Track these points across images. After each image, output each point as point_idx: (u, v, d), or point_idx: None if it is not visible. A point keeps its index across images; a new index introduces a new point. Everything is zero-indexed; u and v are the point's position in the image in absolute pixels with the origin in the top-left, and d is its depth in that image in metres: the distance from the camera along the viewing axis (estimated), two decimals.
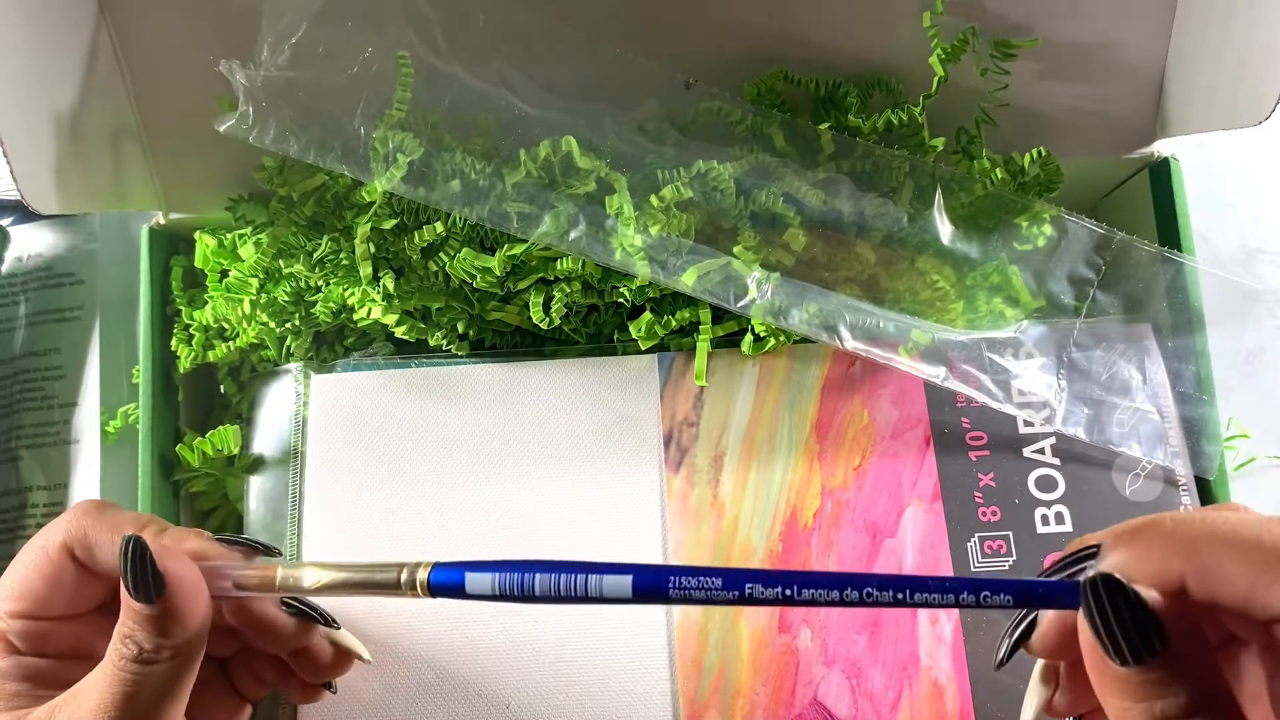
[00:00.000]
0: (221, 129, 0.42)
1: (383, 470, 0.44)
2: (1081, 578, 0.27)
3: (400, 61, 0.43)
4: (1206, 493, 0.44)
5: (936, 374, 0.43)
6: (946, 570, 0.42)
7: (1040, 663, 0.34)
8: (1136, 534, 0.28)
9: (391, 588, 0.33)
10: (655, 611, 0.42)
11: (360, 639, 0.40)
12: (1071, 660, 0.32)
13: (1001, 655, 0.32)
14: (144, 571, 0.31)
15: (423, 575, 0.32)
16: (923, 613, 0.41)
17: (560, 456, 0.44)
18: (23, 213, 0.56)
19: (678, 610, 0.42)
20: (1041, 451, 0.44)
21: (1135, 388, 0.44)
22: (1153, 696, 0.26)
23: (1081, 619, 0.27)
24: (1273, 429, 0.55)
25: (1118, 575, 0.27)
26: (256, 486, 0.46)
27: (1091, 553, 0.29)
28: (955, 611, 0.41)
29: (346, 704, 0.41)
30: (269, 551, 0.37)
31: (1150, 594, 0.26)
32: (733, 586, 0.30)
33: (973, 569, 0.42)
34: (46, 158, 0.43)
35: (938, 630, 0.41)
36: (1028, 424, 0.44)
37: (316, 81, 0.43)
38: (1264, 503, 0.54)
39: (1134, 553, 0.27)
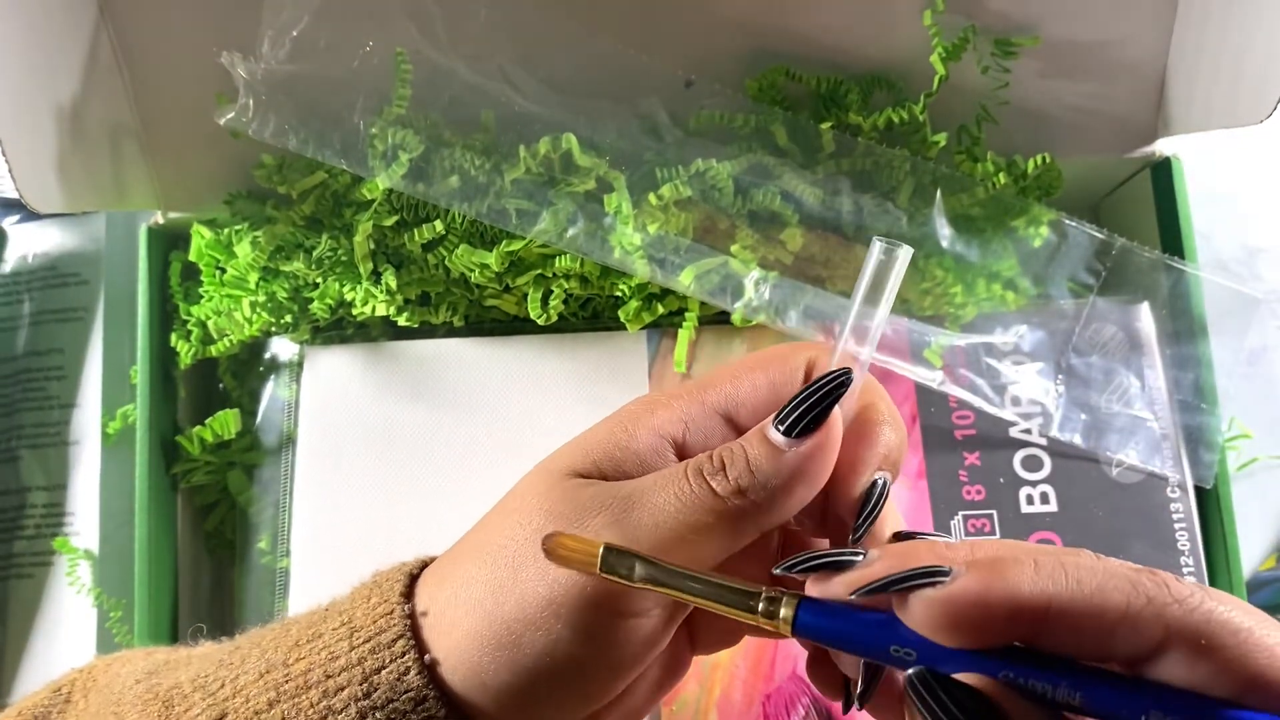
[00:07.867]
0: (221, 121, 0.42)
1: (374, 444, 0.45)
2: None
3: (399, 58, 0.43)
4: (1205, 493, 0.44)
5: (933, 378, 0.43)
6: None
7: None
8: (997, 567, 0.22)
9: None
10: None
11: None
12: None
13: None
14: (822, 401, 0.25)
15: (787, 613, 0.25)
16: None
17: (548, 432, 0.44)
18: (27, 211, 0.55)
19: None
20: (1028, 431, 0.44)
21: (1133, 395, 0.44)
22: None
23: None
24: (1275, 429, 0.55)
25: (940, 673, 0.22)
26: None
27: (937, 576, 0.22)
28: None
29: None
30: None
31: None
32: None
33: None
34: (45, 156, 0.43)
35: None
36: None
37: (317, 75, 0.43)
38: (1266, 502, 0.54)
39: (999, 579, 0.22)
